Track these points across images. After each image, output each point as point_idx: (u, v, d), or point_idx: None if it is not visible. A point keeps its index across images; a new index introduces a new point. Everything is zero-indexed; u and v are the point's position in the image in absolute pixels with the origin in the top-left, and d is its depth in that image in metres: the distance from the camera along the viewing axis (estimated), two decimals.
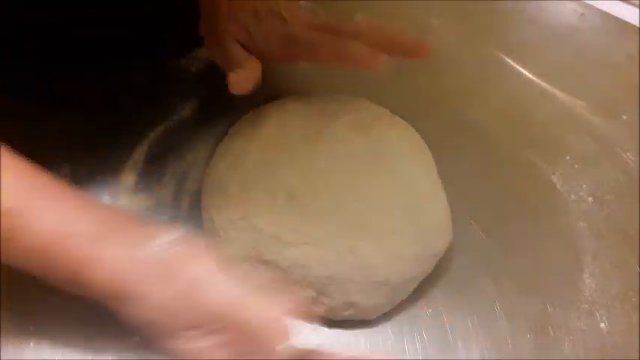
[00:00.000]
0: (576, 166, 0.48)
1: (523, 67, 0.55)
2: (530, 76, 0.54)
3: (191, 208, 0.44)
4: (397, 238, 0.37)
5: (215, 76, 0.53)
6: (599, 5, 0.59)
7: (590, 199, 0.46)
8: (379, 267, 0.36)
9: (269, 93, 0.52)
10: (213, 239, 0.39)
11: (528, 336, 0.38)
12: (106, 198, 0.44)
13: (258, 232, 0.37)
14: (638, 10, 0.58)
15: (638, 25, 0.57)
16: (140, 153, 0.47)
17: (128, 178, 0.46)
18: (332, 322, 0.39)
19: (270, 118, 0.43)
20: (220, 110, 0.50)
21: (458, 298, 0.40)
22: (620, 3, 0.59)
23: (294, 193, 0.37)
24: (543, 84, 0.53)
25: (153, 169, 0.46)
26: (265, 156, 0.40)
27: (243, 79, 0.40)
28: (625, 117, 0.51)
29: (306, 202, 0.37)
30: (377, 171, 0.39)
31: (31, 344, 0.36)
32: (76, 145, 0.46)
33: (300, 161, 0.39)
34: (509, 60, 0.55)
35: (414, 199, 0.39)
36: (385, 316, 0.39)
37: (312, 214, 0.37)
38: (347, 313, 0.38)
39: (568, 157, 0.48)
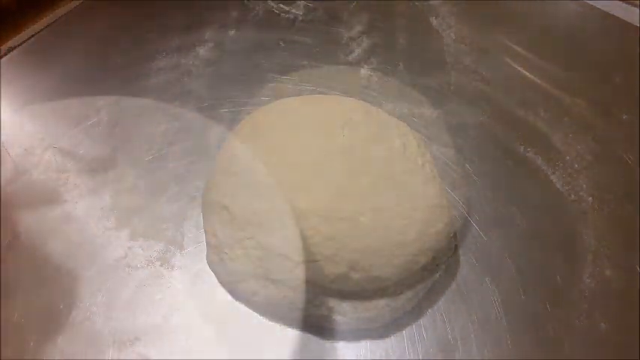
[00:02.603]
0: (576, 166, 0.48)
1: (523, 67, 0.55)
2: (530, 76, 0.54)
3: (192, 209, 0.44)
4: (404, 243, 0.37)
5: (216, 76, 0.53)
6: (599, 5, 0.59)
7: (590, 199, 0.46)
8: (390, 276, 0.36)
9: (269, 93, 0.52)
10: (219, 255, 0.39)
11: (528, 336, 0.38)
12: (106, 198, 0.45)
13: (266, 252, 0.36)
14: (638, 10, 0.58)
15: (638, 25, 0.57)
16: (141, 152, 0.47)
17: (129, 177, 0.46)
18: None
19: (272, 124, 0.42)
20: (221, 109, 0.51)
21: (458, 298, 0.40)
22: (620, 3, 0.59)
23: (302, 210, 0.36)
24: (543, 84, 0.53)
25: (154, 169, 0.46)
26: (270, 173, 0.38)
27: None
28: (625, 117, 0.51)
29: (315, 219, 0.36)
30: (384, 180, 0.38)
31: (32, 344, 0.36)
32: None
33: (306, 177, 0.38)
34: (509, 60, 0.55)
35: (418, 202, 0.38)
36: None
37: (322, 230, 0.36)
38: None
39: (568, 157, 0.48)
